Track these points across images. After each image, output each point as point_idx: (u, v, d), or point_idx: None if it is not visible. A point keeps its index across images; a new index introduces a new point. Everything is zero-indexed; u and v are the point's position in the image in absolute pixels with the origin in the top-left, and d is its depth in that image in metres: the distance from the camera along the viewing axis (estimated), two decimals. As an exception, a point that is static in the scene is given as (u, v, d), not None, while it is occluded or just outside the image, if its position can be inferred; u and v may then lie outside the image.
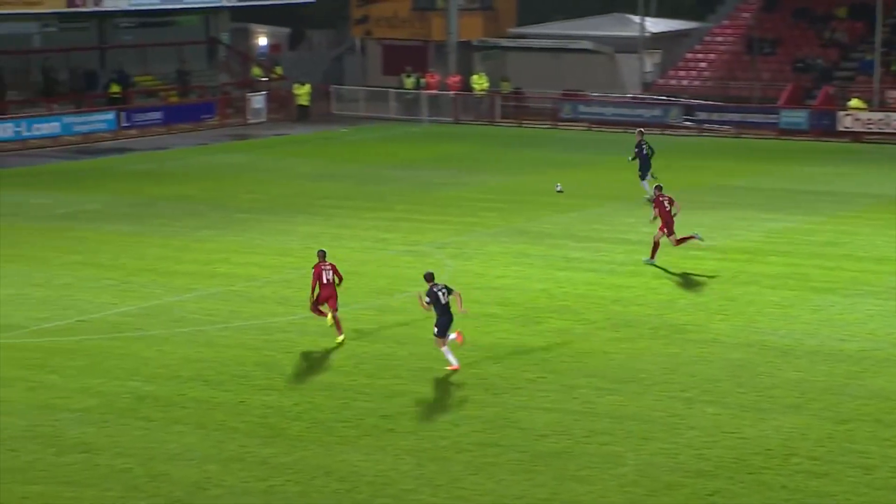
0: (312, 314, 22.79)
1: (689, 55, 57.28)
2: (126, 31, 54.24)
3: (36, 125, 46.66)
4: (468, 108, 55.01)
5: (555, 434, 18.34)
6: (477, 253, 29.60)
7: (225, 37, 58.14)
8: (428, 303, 20.96)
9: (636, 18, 56.62)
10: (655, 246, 28.05)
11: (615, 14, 60.59)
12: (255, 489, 16.50)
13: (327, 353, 22.13)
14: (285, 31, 65.06)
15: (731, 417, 18.93)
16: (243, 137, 50.04)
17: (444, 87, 55.73)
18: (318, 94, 56.39)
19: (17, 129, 46.05)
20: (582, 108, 53.63)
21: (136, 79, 52.39)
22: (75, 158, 44.30)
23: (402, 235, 31.43)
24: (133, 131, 49.27)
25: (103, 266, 28.03)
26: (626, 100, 54.14)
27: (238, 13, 59.07)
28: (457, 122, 53.96)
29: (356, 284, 26.80)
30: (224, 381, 20.52)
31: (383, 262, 28.80)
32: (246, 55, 59.47)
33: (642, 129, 37.66)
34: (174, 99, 52.82)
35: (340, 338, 22.56)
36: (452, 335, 21.10)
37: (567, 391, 20.16)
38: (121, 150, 46.02)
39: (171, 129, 50.39)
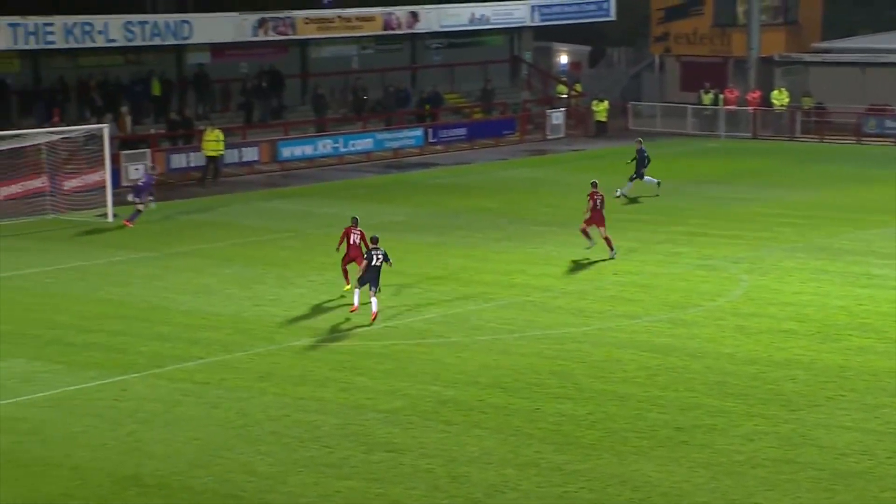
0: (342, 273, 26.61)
1: None
2: (436, 51, 55.68)
3: (352, 141, 48.51)
4: (767, 124, 53.53)
5: (856, 453, 17.55)
6: (773, 268, 28.72)
7: (528, 55, 58.79)
8: (365, 258, 24.92)
9: (951, 30, 53.65)
10: (584, 233, 30.16)
11: (929, 26, 57.66)
12: (549, 494, 16.54)
13: (621, 363, 21.98)
14: (586, 49, 65.14)
15: None
16: (542, 153, 50.43)
17: (742, 102, 54.46)
18: (616, 111, 56.17)
19: (336, 145, 48.00)
20: (889, 124, 51.26)
21: (444, 96, 53.65)
22: (385, 172, 45.77)
23: (695, 249, 30.87)
24: (439, 147, 50.48)
25: (408, 274, 28.78)
26: (938, 115, 51.39)
27: (541, 33, 59.57)
28: (755, 137, 52.60)
29: (648, 297, 26.50)
30: (520, 388, 20.69)
31: (676, 275, 28.36)
32: (547, 73, 59.95)
33: (640, 139, 39.97)
34: (478, 116, 53.81)
35: (347, 287, 26.28)
36: (374, 305, 24.45)
37: (869, 410, 19.26)
38: (427, 165, 47.22)
39: (474, 145, 51.33)
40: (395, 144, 49.54)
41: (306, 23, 48.50)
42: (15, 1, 42.05)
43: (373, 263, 24.75)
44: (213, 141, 42.76)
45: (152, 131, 44.83)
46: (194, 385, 20.81)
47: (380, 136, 49.34)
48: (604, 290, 27.16)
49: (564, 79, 59.58)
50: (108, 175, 36.26)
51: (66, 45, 42.27)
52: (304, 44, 50.84)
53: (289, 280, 28.51)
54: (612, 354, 22.50)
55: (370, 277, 24.73)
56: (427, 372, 21.60)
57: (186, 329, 24.29)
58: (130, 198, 35.18)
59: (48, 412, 19.36)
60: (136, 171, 41.50)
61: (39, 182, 37.52)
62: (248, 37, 47.01)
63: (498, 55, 57.52)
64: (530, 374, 21.42)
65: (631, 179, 38.53)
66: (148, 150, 42.69)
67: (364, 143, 48.66)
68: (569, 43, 63.63)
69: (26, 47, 41.48)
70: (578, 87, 57.75)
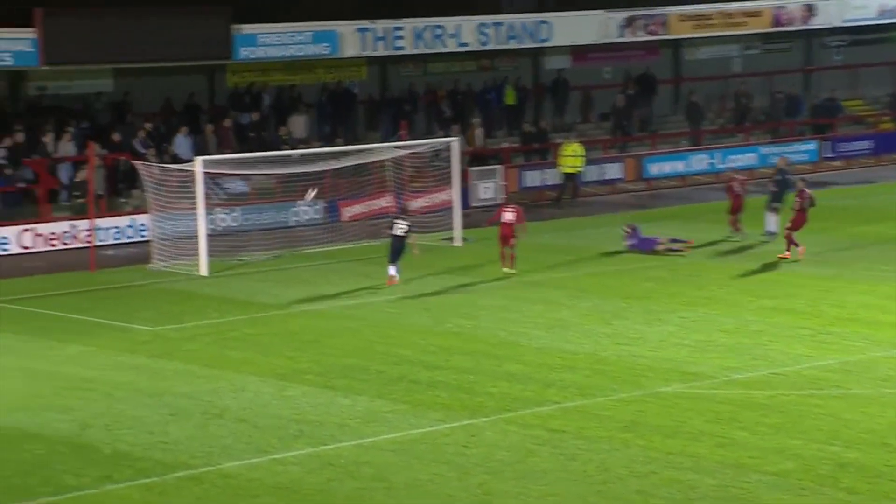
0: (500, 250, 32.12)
1: None
2: (835, 50, 54.24)
3: (731, 156, 47.94)
4: None
5: None
6: None
7: (952, 53, 56.33)
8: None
9: None
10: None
11: None
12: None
13: None
14: None
15: None
16: (966, 170, 48.17)
17: None
18: None
19: (712, 160, 47.58)
20: None
21: (844, 103, 52.17)
22: (769, 192, 44.81)
23: None
24: (837, 163, 49.11)
25: (798, 313, 28.09)
26: None
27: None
28: None
29: None
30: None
31: None
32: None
33: (785, 156, 39.21)
34: (886, 126, 51.99)
35: (505, 269, 31.90)
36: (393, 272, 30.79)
37: None
38: (821, 184, 45.90)
39: (880, 161, 49.66)
40: (784, 160, 48.62)
41: (681, 20, 48.37)
42: (364, 5, 44.05)
43: (394, 233, 30.81)
44: (571, 156, 43.32)
45: (504, 145, 45.89)
46: (549, 433, 21.06)
47: (764, 150, 48.54)
48: None
49: None
50: (455, 194, 37.37)
51: (415, 51, 43.91)
52: (677, 44, 50.75)
53: (655, 315, 28.41)
54: None
55: (397, 249, 30.77)
56: (823, 429, 20.96)
57: (539, 369, 24.65)
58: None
59: (392, 456, 20.07)
60: (485, 190, 42.66)
61: (384, 202, 39.11)
62: (613, 38, 47.38)
63: (910, 53, 55.45)
64: (955, 436, 20.45)
65: (771, 210, 36.23)
66: (499, 167, 43.76)
67: (745, 159, 48.00)
68: None
69: (374, 53, 43.41)
70: None
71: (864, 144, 50.23)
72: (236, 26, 40.03)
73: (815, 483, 18.74)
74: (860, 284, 30.71)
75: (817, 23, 51.11)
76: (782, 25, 50.53)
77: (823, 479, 18.88)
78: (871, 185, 45.58)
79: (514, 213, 32.02)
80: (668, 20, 48.11)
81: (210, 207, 35.34)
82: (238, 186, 38.50)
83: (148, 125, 40.11)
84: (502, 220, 31.98)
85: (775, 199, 36.56)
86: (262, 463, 19.76)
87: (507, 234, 31.79)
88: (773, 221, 36.38)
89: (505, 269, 31.94)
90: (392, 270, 30.75)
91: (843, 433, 20.74)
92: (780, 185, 36.68)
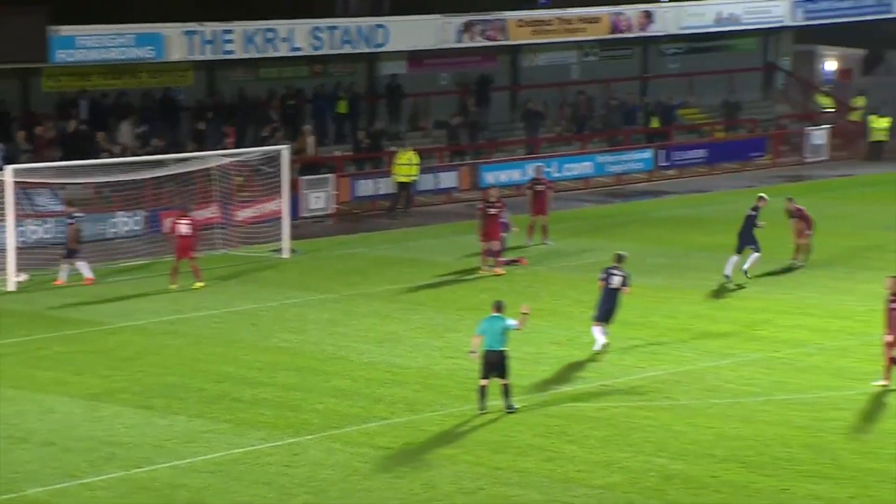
0: None
1: None
2: (672, 58, 55.23)
3: (568, 165, 48.55)
4: None
5: None
6: None
7: (785, 62, 57.69)
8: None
9: None
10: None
11: None
12: None
13: (894, 437, 21.29)
14: (859, 53, 63.41)
15: None
16: (798, 179, 49.47)
17: None
18: (896, 129, 54.63)
19: (548, 169, 47.96)
20: None
21: (679, 112, 53.19)
22: (606, 202, 45.60)
23: None
24: (671, 171, 50.01)
25: (630, 324, 28.53)
26: None
27: (803, 35, 58.10)
28: None
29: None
30: (765, 463, 20.29)
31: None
32: (808, 83, 58.70)
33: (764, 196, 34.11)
34: (720, 135, 53.14)
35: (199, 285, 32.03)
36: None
37: None
38: (656, 193, 46.85)
39: (713, 170, 50.71)
40: (619, 169, 49.36)
41: (519, 25, 48.79)
42: (191, 7, 43.33)
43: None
44: (406, 164, 43.41)
45: (336, 153, 45.82)
46: (375, 450, 21.12)
47: (601, 158, 49.25)
48: (872, 346, 26.40)
49: (829, 89, 58.08)
50: (285, 204, 37.19)
51: (245, 55, 43.49)
52: (515, 50, 51.22)
53: (489, 328, 28.65)
54: (883, 426, 21.83)
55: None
56: (651, 441, 21.39)
57: (368, 384, 24.70)
58: None
59: (209, 478, 19.93)
60: (316, 200, 42.50)
61: (209, 212, 38.71)
62: (451, 43, 47.57)
63: (748, 62, 56.67)
64: (777, 446, 21.00)
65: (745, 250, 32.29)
66: (331, 176, 43.67)
67: (582, 168, 48.67)
68: (837, 47, 61.95)
69: (202, 57, 42.89)
70: (860, 101, 55.83)
71: (699, 153, 51.14)
72: (53, 27, 39.22)
73: (641, 496, 19.12)
74: (692, 294, 31.36)
75: (655, 30, 51.86)
76: (620, 32, 51.22)
77: (649, 492, 19.27)
78: (706, 194, 46.54)
79: (191, 226, 32.71)
80: (506, 26, 48.49)
81: (20, 219, 34.48)
82: (49, 203, 37.46)
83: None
84: (178, 234, 32.63)
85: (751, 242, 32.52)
86: (70, 488, 19.47)
87: (186, 247, 32.36)
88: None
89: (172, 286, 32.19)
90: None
91: (671, 445, 21.20)
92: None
